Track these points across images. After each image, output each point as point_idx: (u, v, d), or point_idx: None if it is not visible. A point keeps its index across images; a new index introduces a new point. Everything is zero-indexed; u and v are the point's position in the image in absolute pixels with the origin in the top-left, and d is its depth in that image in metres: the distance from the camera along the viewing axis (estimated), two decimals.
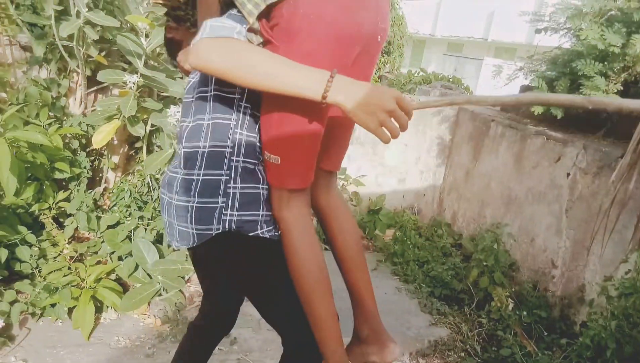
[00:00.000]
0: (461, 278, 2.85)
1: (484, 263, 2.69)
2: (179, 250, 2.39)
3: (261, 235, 1.09)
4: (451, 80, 5.83)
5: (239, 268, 1.15)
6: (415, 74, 6.30)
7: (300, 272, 1.11)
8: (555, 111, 2.76)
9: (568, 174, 2.61)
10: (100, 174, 2.83)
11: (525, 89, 3.40)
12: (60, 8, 2.11)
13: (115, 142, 2.75)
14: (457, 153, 3.72)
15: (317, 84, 0.92)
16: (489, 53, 19.74)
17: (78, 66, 2.49)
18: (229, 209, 1.06)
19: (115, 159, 2.82)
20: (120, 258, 2.42)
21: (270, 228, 1.11)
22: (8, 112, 2.03)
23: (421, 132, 3.78)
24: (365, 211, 3.58)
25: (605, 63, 2.55)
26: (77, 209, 2.43)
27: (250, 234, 1.07)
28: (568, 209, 2.60)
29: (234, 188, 1.06)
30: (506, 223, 2.99)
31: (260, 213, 1.09)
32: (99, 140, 2.34)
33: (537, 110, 2.85)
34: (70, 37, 2.33)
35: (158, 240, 2.51)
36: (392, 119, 0.93)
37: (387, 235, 3.39)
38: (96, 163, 2.78)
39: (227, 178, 1.06)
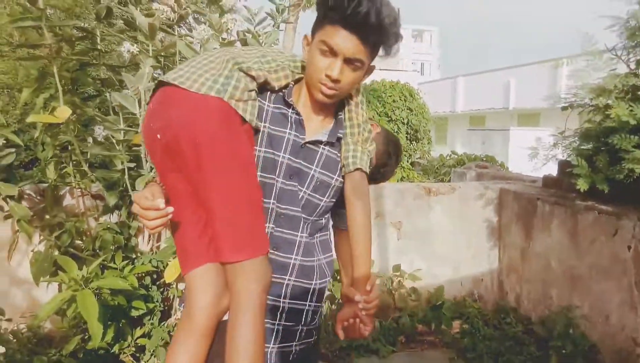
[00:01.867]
0: None
1: (563, 350, 2.61)
2: None
3: None
4: (484, 159, 5.94)
5: None
6: (447, 157, 6.45)
7: None
8: (602, 185, 2.79)
9: (629, 247, 2.59)
10: (167, 304, 2.96)
11: (563, 165, 3.46)
12: (132, 165, 2.36)
13: None
14: (508, 234, 3.72)
15: None
16: (512, 121, 19.99)
17: None
18: None
19: (181, 286, 2.95)
20: None
21: None
22: (93, 264, 2.22)
23: (466, 217, 3.82)
24: (426, 306, 3.55)
25: None
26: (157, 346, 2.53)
27: None
28: (637, 282, 2.55)
29: None
30: (576, 304, 2.93)
31: None
32: (170, 274, 2.48)
33: (583, 186, 2.89)
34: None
35: None
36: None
37: (454, 328, 3.34)
38: (165, 293, 2.92)
39: None
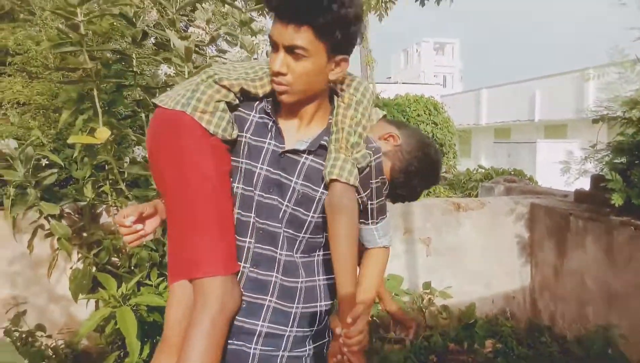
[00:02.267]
0: None
1: None
2: None
3: None
4: (512, 172, 5.87)
5: None
6: (474, 171, 6.39)
7: None
8: (638, 200, 2.73)
9: None
10: None
11: (596, 179, 3.40)
12: None
13: None
14: (540, 250, 3.66)
15: None
16: (539, 134, 19.71)
17: None
18: None
19: None
20: None
21: None
22: (132, 282, 2.26)
23: (497, 233, 3.78)
24: (457, 324, 3.51)
25: None
26: None
27: None
28: None
29: None
30: (614, 323, 2.85)
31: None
32: None
33: (618, 201, 2.83)
34: None
35: None
36: None
37: (487, 347, 3.28)
38: None
39: None
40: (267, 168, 1.21)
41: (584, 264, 3.16)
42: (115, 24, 2.50)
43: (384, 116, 1.45)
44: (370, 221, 1.30)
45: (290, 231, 1.23)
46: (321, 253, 1.29)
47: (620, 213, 3.04)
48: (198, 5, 2.45)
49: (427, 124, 9.09)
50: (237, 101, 1.24)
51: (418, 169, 1.37)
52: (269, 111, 1.23)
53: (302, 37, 1.07)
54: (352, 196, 1.19)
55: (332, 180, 1.17)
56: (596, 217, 3.09)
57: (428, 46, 42.56)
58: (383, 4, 4.14)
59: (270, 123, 1.23)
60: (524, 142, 14.31)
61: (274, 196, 1.21)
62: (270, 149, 1.22)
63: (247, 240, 1.22)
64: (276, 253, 1.22)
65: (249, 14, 2.28)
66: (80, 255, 2.74)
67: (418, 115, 9.38)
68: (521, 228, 3.77)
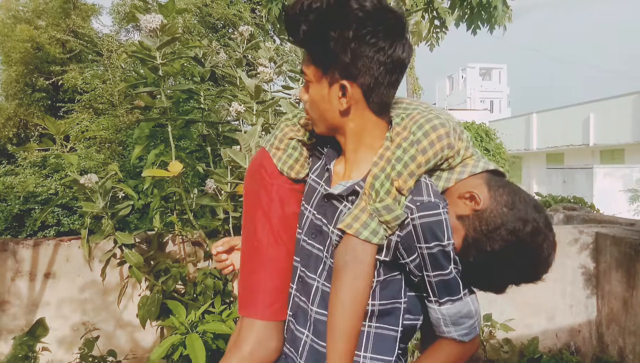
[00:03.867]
0: None
1: None
2: None
3: None
4: (572, 200, 5.68)
5: None
6: None
7: None
8: None
9: None
10: None
11: None
12: (237, 214, 2.51)
13: None
14: (607, 281, 3.51)
15: None
16: (594, 159, 18.96)
17: None
18: None
19: None
20: None
21: None
22: (201, 309, 2.35)
23: (560, 264, 3.65)
24: (519, 359, 3.39)
25: None
26: None
27: None
28: None
29: None
30: None
31: None
32: None
33: None
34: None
35: None
36: None
37: None
38: None
39: None
40: (314, 211, 1.11)
41: None
42: (185, 64, 2.66)
43: (495, 171, 1.12)
44: (432, 299, 1.02)
45: (329, 286, 1.05)
46: (372, 324, 1.05)
47: None
48: (261, 44, 2.58)
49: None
50: (312, 140, 1.17)
51: (500, 251, 1.01)
52: (325, 150, 1.15)
53: (306, 61, 1.02)
54: (362, 254, 0.98)
55: (339, 230, 1.00)
56: None
57: (474, 72, 42.17)
58: (434, 34, 4.18)
59: (324, 163, 1.14)
60: (580, 167, 13.79)
61: (315, 244, 1.10)
62: (321, 191, 1.12)
63: (293, 286, 1.14)
64: (308, 307, 1.09)
65: None
66: (148, 283, 2.87)
67: None
68: (586, 258, 3.63)
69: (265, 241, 1.13)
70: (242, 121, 2.32)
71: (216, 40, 8.05)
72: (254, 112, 2.12)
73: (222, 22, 9.36)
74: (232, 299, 2.92)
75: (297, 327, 1.11)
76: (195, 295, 2.81)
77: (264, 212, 1.14)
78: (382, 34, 0.95)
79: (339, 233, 1.01)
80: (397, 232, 0.99)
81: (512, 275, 1.08)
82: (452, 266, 0.99)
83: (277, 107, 2.40)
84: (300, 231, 1.14)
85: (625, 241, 3.31)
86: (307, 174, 1.17)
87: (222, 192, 2.30)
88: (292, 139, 1.16)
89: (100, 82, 6.19)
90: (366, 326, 1.04)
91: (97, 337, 2.90)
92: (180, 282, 2.90)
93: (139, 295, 2.81)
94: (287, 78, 2.62)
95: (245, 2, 9.74)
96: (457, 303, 1.00)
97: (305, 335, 1.09)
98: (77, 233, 2.91)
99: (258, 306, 1.12)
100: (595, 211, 5.09)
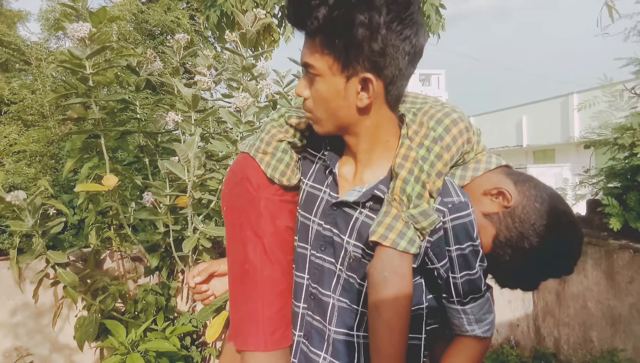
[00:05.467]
0: None
1: None
2: None
3: None
4: None
5: None
6: None
7: None
8: (635, 223, 2.80)
9: None
10: None
11: (592, 204, 3.47)
12: (178, 227, 2.43)
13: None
14: None
15: None
16: (528, 158, 19.98)
17: (185, 266, 2.78)
18: None
19: (218, 344, 2.96)
20: None
21: None
22: (141, 328, 2.26)
23: None
24: None
25: None
26: None
27: None
28: None
29: None
30: (620, 347, 2.87)
31: None
32: (211, 334, 2.50)
33: (615, 225, 2.89)
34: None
35: None
36: None
37: None
38: (204, 352, 2.93)
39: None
40: (319, 221, 1.01)
41: (586, 288, 3.19)
42: (119, 73, 2.57)
43: (507, 166, 1.09)
44: (455, 299, 0.97)
45: (346, 301, 0.98)
46: None
47: (618, 236, 3.10)
48: (199, 52, 2.54)
49: None
50: (304, 141, 1.06)
51: (538, 248, 0.97)
52: (327, 151, 1.03)
53: (313, 52, 0.88)
54: (401, 267, 0.90)
55: (373, 242, 0.91)
56: (595, 241, 3.14)
57: (414, 78, 43.27)
58: None
59: (324, 165, 1.04)
60: (515, 167, 14.42)
61: (326, 257, 1.00)
62: (325, 198, 1.01)
63: (301, 305, 1.04)
64: (325, 327, 1.00)
65: (250, 60, 2.36)
66: (85, 303, 2.73)
67: None
68: None
69: (258, 263, 1.01)
70: (182, 131, 2.26)
71: (154, 47, 7.85)
72: (193, 121, 2.07)
73: (160, 29, 9.13)
74: (175, 315, 2.84)
75: (312, 348, 1.02)
76: (136, 313, 2.71)
77: (253, 230, 1.01)
78: (409, 20, 0.85)
79: (357, 244, 0.95)
80: (427, 237, 0.93)
81: (548, 269, 1.02)
82: (478, 264, 0.96)
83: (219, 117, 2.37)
84: (306, 245, 1.04)
85: None
86: (300, 180, 1.07)
87: (162, 205, 2.22)
88: (281, 141, 1.04)
89: (29, 92, 5.87)
90: None
91: None
92: (119, 300, 2.78)
93: (76, 316, 2.68)
94: (227, 86, 2.59)
95: (183, 8, 9.56)
96: (480, 300, 0.98)
97: (322, 357, 1.00)
98: (7, 253, 2.72)
99: (260, 337, 1.00)
100: None
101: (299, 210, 1.05)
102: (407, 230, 0.89)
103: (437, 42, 4.13)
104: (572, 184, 3.59)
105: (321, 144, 1.05)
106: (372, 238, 0.89)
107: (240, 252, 1.02)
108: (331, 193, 1.00)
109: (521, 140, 20.61)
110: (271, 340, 1.00)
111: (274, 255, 1.02)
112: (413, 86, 42.96)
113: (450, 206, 0.94)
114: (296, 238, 1.06)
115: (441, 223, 0.93)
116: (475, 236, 0.95)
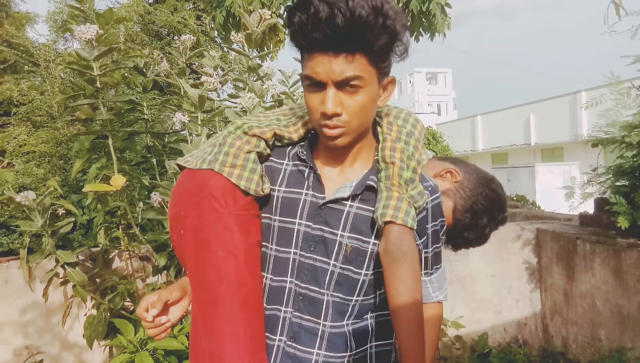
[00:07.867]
0: None
1: None
2: None
3: None
4: (515, 198, 5.91)
5: None
6: None
7: None
8: None
9: None
10: None
11: (600, 202, 3.45)
12: None
13: None
14: (549, 275, 3.67)
15: None
16: (536, 157, 19.87)
17: None
18: None
19: None
20: None
21: None
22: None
23: (505, 260, 3.80)
24: (471, 354, 3.49)
25: None
26: None
27: None
28: None
29: None
30: (628, 346, 2.85)
31: None
32: None
33: (623, 224, 2.88)
34: None
35: None
36: None
37: None
38: None
39: None
40: (307, 222, 1.04)
41: (594, 287, 3.18)
42: (126, 74, 2.59)
43: (435, 155, 1.34)
44: (424, 272, 1.10)
45: (340, 295, 1.03)
46: (374, 314, 1.08)
47: (626, 235, 3.08)
48: (205, 53, 2.55)
49: None
50: (268, 151, 1.09)
51: (485, 206, 1.22)
52: (304, 156, 1.07)
53: (357, 66, 0.90)
54: (412, 242, 0.98)
55: (386, 223, 0.97)
56: (603, 240, 3.13)
57: (420, 76, 43.29)
58: None
59: (307, 170, 1.07)
60: (522, 166, 14.41)
61: (316, 256, 1.04)
62: (308, 201, 1.05)
63: (283, 308, 1.06)
64: (319, 324, 1.04)
65: (256, 60, 2.37)
66: (94, 302, 2.76)
67: None
68: (529, 253, 3.79)
69: (234, 282, 0.98)
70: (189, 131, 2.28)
71: (161, 48, 7.88)
72: (199, 122, 2.09)
73: (167, 30, 9.19)
74: (184, 313, 2.86)
75: (302, 348, 1.04)
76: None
77: (227, 250, 0.98)
78: (406, 23, 0.98)
79: (353, 235, 1.02)
80: None
81: (494, 222, 1.26)
82: (442, 237, 1.12)
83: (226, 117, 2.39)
84: (288, 248, 1.06)
85: (564, 236, 3.48)
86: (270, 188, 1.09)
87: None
88: (249, 152, 1.04)
89: (38, 93, 5.93)
90: (374, 317, 1.08)
91: (42, 361, 2.76)
92: (128, 299, 2.81)
93: (85, 315, 2.71)
94: (233, 86, 2.60)
95: (190, 9, 9.61)
96: (440, 269, 1.16)
97: (315, 354, 1.03)
98: (17, 253, 2.76)
99: (244, 358, 0.98)
100: (536, 208, 5.33)
101: (274, 216, 1.08)
102: (410, 209, 0.99)
103: (443, 41, 4.12)
104: (580, 182, 3.57)
105: (284, 151, 1.11)
106: (385, 219, 0.97)
107: (212, 275, 0.99)
108: (316, 194, 1.06)
109: (529, 138, 20.51)
110: (255, 357, 1.00)
111: (249, 271, 1.01)
112: (420, 84, 42.90)
113: (430, 189, 1.08)
114: (268, 244, 1.08)
115: (427, 204, 1.06)
116: (442, 212, 1.11)
